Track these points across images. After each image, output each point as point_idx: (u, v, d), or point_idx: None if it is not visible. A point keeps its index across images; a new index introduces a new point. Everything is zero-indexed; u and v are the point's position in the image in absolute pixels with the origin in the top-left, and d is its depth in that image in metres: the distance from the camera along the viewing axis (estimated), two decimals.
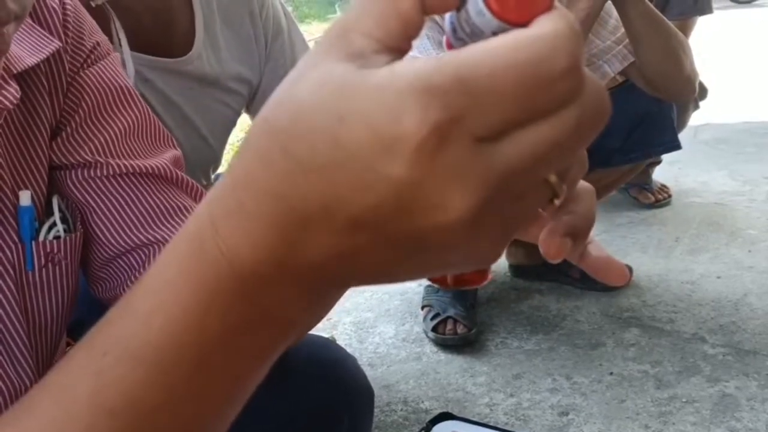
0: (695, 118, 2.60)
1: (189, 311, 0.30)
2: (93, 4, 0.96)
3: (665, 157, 2.37)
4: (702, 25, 2.43)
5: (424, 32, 0.36)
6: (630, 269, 1.97)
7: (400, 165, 0.24)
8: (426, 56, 0.25)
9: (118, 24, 1.02)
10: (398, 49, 0.26)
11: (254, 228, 0.27)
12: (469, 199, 0.24)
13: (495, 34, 0.26)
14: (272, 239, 0.27)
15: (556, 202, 0.29)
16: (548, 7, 0.25)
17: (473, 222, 0.25)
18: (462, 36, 0.28)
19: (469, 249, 0.26)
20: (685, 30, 2.19)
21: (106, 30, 0.69)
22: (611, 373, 1.60)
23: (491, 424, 1.43)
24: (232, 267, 0.28)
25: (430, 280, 1.72)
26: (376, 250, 0.26)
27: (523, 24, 0.25)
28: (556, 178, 0.28)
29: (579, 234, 0.35)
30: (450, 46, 0.29)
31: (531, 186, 0.27)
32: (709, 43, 4.39)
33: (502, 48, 0.24)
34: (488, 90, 0.23)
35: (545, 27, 0.24)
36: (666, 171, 2.72)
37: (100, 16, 0.93)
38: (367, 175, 0.24)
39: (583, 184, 0.36)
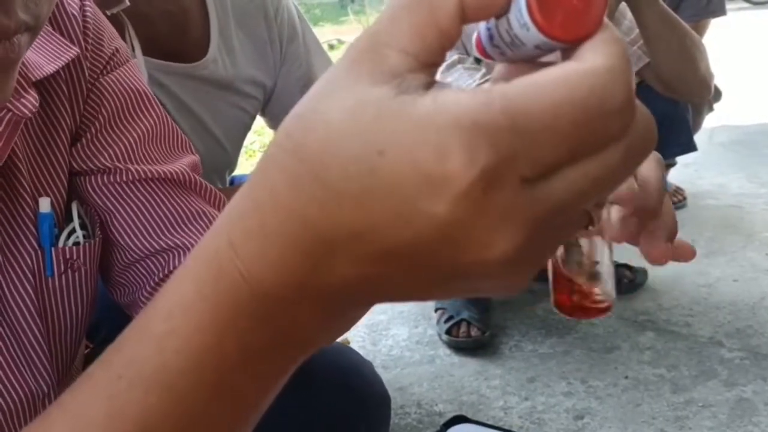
0: (711, 120, 2.58)
1: (207, 334, 0.29)
2: (108, 13, 0.96)
3: (680, 159, 2.36)
4: (717, 26, 2.41)
5: None
6: (645, 272, 1.96)
7: (445, 205, 0.23)
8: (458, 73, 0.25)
9: (132, 32, 1.02)
10: (433, 64, 0.25)
11: (276, 250, 0.26)
12: (514, 238, 0.23)
13: (538, 48, 0.25)
14: (295, 262, 0.26)
15: (591, 228, 0.29)
16: (597, 25, 0.24)
17: (515, 257, 0.24)
18: (499, 44, 0.27)
19: (504, 279, 0.26)
20: (698, 32, 2.17)
21: (121, 38, 0.70)
22: (627, 377, 1.59)
23: (506, 427, 1.43)
24: (251, 289, 0.28)
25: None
26: (406, 278, 0.26)
27: (570, 41, 0.24)
28: (593, 205, 0.28)
29: (671, 234, 0.36)
30: (482, 50, 0.28)
31: (573, 218, 0.26)
32: (725, 45, 4.35)
33: (554, 84, 0.23)
34: (540, 130, 0.22)
35: (599, 60, 0.23)
36: (681, 173, 2.70)
37: (114, 24, 0.94)
38: (407, 210, 0.23)
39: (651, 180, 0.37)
